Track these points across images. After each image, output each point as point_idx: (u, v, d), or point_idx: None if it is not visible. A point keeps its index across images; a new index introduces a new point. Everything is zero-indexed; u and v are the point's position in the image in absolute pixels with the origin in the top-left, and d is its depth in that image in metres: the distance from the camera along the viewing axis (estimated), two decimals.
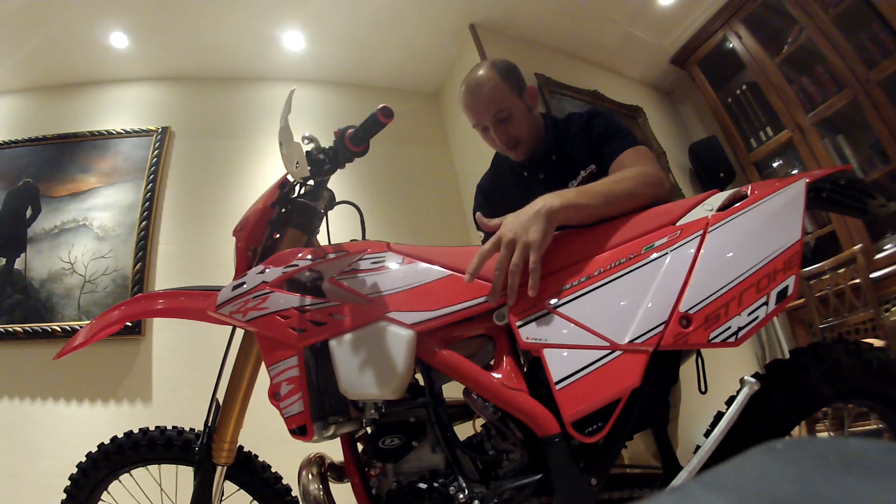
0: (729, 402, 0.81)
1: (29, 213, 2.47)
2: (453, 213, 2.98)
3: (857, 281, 2.22)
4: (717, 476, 0.20)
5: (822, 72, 2.82)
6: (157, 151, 2.64)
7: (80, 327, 2.18)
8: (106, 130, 2.68)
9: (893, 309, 2.25)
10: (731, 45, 3.17)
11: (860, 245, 2.38)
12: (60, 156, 2.61)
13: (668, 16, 3.23)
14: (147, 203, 2.50)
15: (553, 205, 0.89)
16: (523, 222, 0.88)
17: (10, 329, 2.21)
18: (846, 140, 2.80)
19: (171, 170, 2.66)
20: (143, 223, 2.45)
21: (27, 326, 2.22)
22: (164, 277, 2.40)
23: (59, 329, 2.21)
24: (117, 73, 2.84)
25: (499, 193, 1.45)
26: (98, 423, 2.09)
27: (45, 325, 2.22)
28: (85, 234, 2.43)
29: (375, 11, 2.77)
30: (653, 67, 3.61)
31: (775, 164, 3.12)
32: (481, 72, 1.30)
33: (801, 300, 2.60)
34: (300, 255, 0.93)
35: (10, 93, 2.78)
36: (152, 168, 2.59)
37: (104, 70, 2.81)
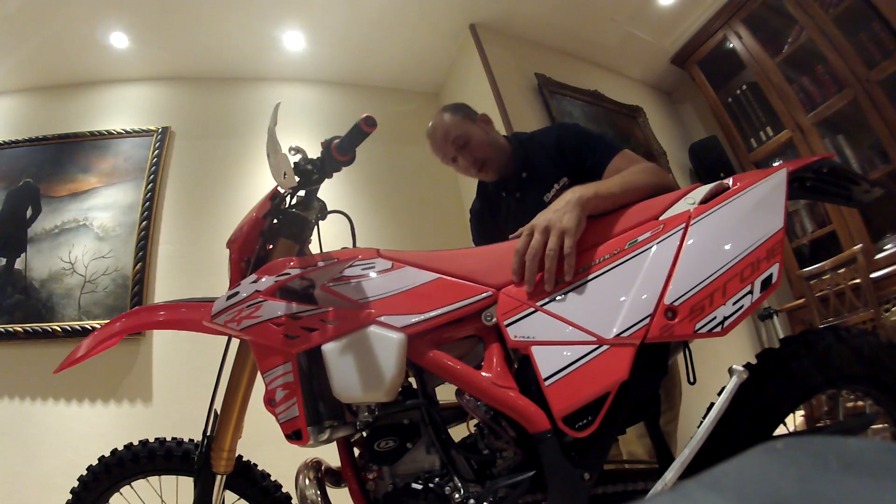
0: (721, 394, 0.82)
1: (29, 213, 2.47)
2: (453, 213, 2.98)
3: (858, 281, 2.22)
4: (717, 476, 0.20)
5: (822, 72, 2.82)
6: (157, 151, 2.64)
7: (81, 327, 2.19)
8: (106, 130, 2.69)
9: (894, 309, 2.25)
10: (731, 45, 3.17)
11: (860, 245, 2.38)
12: (60, 156, 2.61)
13: (668, 16, 3.23)
14: (147, 203, 2.50)
15: (584, 194, 0.92)
16: (556, 211, 0.90)
17: (10, 329, 2.21)
18: (846, 140, 2.80)
19: (171, 170, 2.66)
20: (144, 223, 2.45)
21: (27, 326, 2.22)
22: (164, 277, 2.40)
23: (59, 329, 2.22)
24: (117, 73, 2.84)
25: (487, 216, 1.54)
26: (98, 423, 2.09)
27: (45, 325, 2.22)
28: (85, 234, 2.43)
29: (375, 11, 2.77)
30: (653, 67, 3.61)
31: (776, 164, 3.11)
32: (434, 119, 1.45)
33: (802, 300, 2.60)
34: (292, 263, 0.94)
35: (10, 93, 2.78)
36: (152, 168, 2.59)
37: (104, 70, 2.81)
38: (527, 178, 1.41)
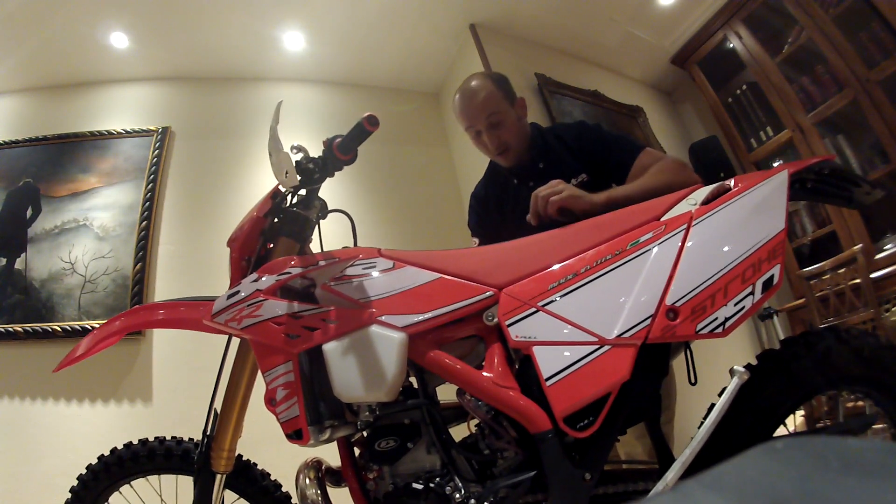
0: (721, 395, 0.82)
1: (29, 213, 2.47)
2: (454, 213, 2.97)
3: (858, 281, 2.22)
4: (717, 476, 0.20)
5: (822, 72, 2.82)
6: (157, 151, 2.64)
7: (81, 327, 2.19)
8: (106, 130, 2.68)
9: (894, 309, 2.25)
10: (731, 45, 3.17)
11: (860, 245, 2.38)
12: (60, 156, 2.61)
13: (668, 16, 3.23)
14: (147, 203, 2.50)
15: (597, 197, 1.08)
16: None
17: (10, 329, 2.21)
18: (846, 140, 2.80)
19: (171, 170, 2.66)
20: (144, 223, 2.45)
21: (27, 326, 2.22)
22: (164, 277, 2.40)
23: (59, 329, 2.21)
24: (117, 73, 2.84)
25: (493, 200, 1.51)
26: (99, 423, 2.09)
27: (45, 325, 2.22)
28: (85, 234, 2.43)
29: (375, 11, 2.77)
30: (653, 67, 3.61)
31: (776, 164, 3.12)
32: (476, 81, 1.38)
33: (802, 300, 2.60)
34: (293, 262, 0.94)
35: (10, 93, 2.78)
36: (152, 168, 2.59)
37: (104, 70, 2.81)
38: (543, 169, 1.39)
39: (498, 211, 1.49)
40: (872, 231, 2.59)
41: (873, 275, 2.27)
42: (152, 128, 2.71)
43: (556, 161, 1.38)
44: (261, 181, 2.56)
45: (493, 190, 1.52)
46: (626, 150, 1.27)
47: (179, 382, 2.19)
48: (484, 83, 1.37)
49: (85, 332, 2.19)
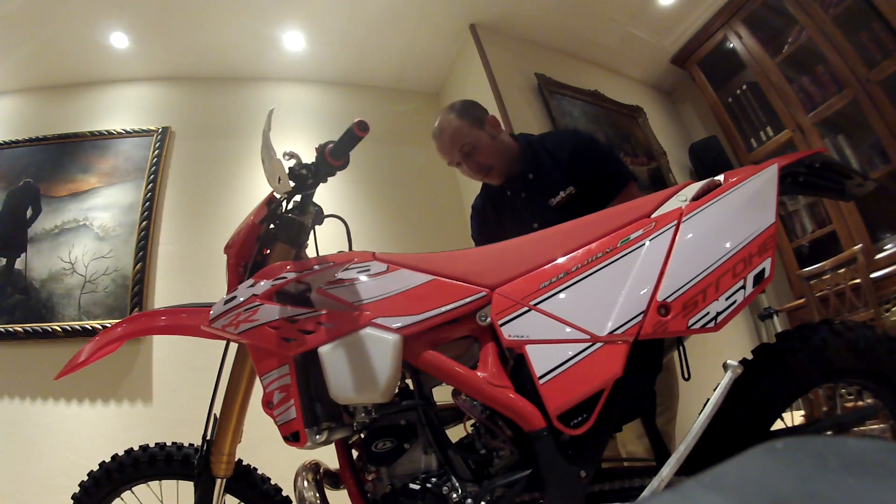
0: (716, 390, 0.82)
1: (29, 213, 2.47)
2: (454, 213, 2.97)
3: (858, 281, 2.22)
4: (717, 476, 0.20)
5: (822, 72, 2.82)
6: (157, 151, 2.64)
7: (81, 327, 2.19)
8: (106, 130, 2.69)
9: (894, 309, 2.25)
10: (731, 45, 3.17)
11: (860, 245, 2.37)
12: (61, 156, 2.61)
13: (668, 16, 3.23)
14: (147, 203, 2.50)
15: None
16: None
17: (10, 329, 2.21)
18: (846, 140, 2.80)
19: (171, 170, 2.66)
20: (144, 223, 2.45)
21: (27, 326, 2.21)
22: (164, 277, 2.40)
23: (59, 329, 2.21)
24: (117, 73, 2.84)
25: (490, 213, 1.56)
26: (99, 423, 2.09)
27: (45, 325, 2.22)
28: (85, 234, 2.43)
29: (376, 11, 2.77)
30: (653, 67, 3.61)
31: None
32: (440, 119, 1.44)
33: (802, 300, 2.60)
34: (288, 267, 0.95)
35: (10, 93, 2.78)
36: (152, 168, 2.59)
37: (104, 70, 2.81)
38: (533, 180, 1.43)
39: (497, 221, 1.54)
40: (872, 231, 2.59)
41: (873, 275, 2.27)
42: (152, 128, 2.71)
43: (545, 173, 1.42)
44: (260, 182, 2.55)
45: (489, 202, 1.56)
46: (616, 176, 1.37)
47: (179, 383, 2.18)
48: (447, 120, 1.42)
49: (85, 331, 2.20)
